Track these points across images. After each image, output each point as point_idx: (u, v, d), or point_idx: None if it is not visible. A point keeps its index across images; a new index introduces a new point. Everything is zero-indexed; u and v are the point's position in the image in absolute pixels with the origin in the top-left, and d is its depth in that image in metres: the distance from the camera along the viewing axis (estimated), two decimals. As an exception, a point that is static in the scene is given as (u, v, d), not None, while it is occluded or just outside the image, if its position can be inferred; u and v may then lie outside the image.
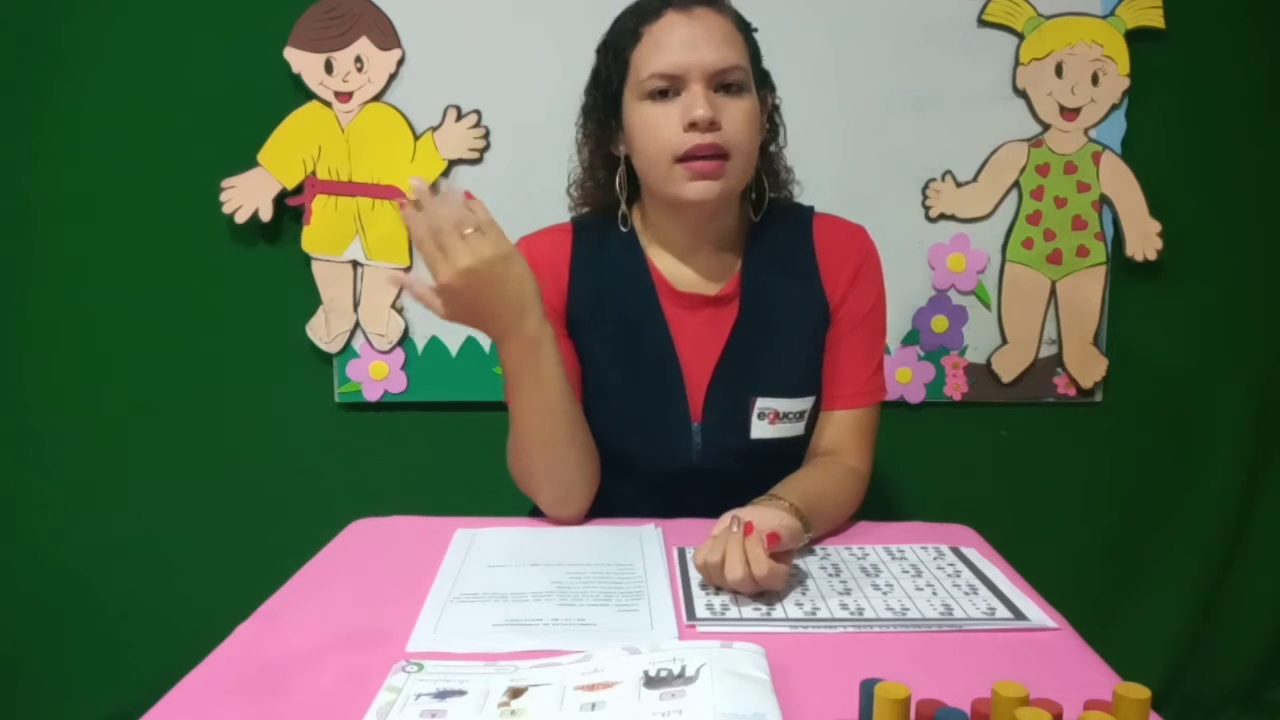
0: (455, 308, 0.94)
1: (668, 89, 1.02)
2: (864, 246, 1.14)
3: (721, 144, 1.00)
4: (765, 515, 0.89)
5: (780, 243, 1.12)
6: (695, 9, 1.03)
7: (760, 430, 1.10)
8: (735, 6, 1.09)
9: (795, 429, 1.12)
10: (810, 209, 1.17)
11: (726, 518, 0.89)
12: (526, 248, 1.14)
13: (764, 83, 1.10)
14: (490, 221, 0.93)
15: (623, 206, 1.12)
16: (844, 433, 1.12)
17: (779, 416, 1.10)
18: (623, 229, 1.12)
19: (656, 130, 1.02)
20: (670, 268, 1.12)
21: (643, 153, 1.05)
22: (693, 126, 0.99)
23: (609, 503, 1.10)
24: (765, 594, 0.86)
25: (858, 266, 1.12)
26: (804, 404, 1.11)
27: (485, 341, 1.71)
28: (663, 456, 1.12)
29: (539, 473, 1.06)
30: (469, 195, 0.93)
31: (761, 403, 1.10)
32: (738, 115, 1.01)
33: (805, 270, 1.12)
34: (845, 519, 1.07)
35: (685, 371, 1.11)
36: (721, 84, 1.01)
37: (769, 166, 1.13)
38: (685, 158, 1.01)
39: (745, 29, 1.07)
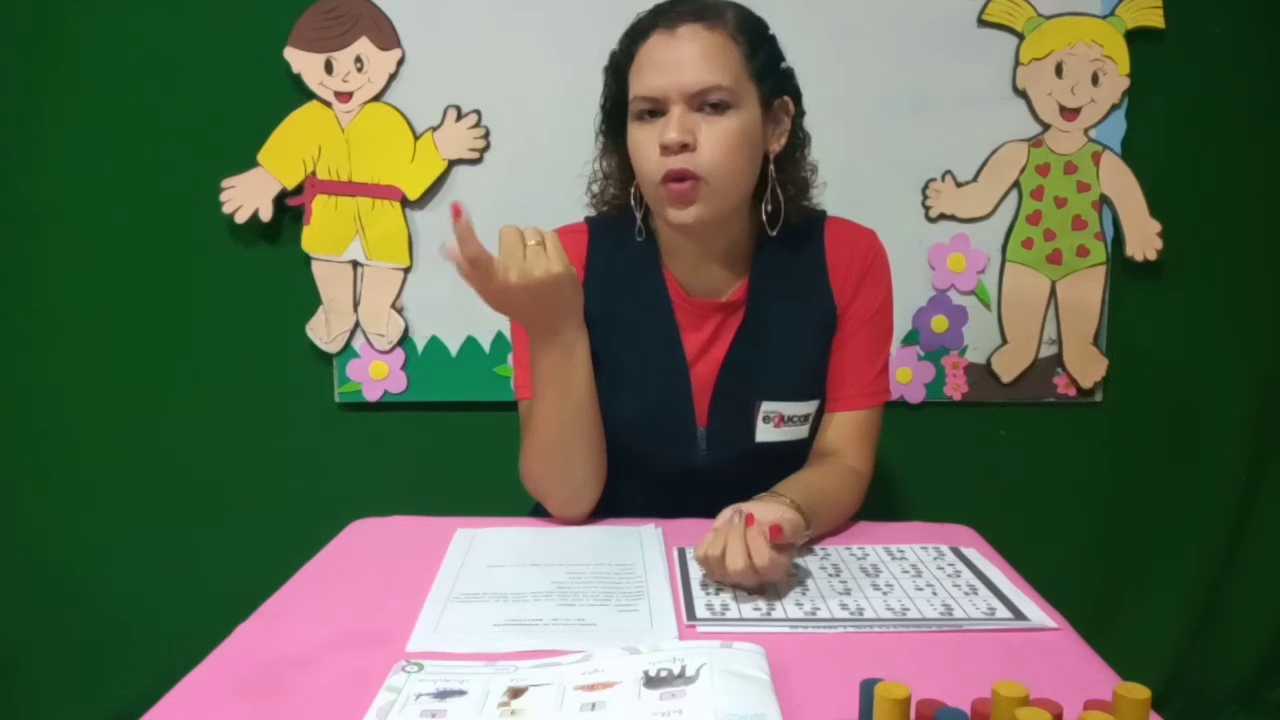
0: (500, 301, 0.99)
1: (653, 110, 1.02)
2: (872, 250, 1.14)
3: (693, 168, 0.99)
4: (767, 509, 0.89)
5: (791, 248, 1.11)
6: (681, 27, 1.01)
7: (765, 434, 1.10)
8: (744, 10, 1.06)
9: (799, 432, 1.12)
10: (823, 213, 1.16)
11: (728, 511, 0.89)
12: None
13: (781, 89, 1.07)
14: (553, 236, 0.99)
15: (639, 219, 1.11)
16: (846, 434, 1.12)
17: (784, 420, 1.11)
18: (638, 239, 1.12)
19: (641, 152, 1.03)
20: (684, 275, 1.12)
21: (636, 172, 1.06)
22: (665, 150, 0.99)
23: (614, 501, 1.10)
24: (765, 589, 0.86)
25: (865, 270, 1.12)
26: (808, 407, 1.12)
27: (485, 341, 1.71)
28: (667, 458, 1.12)
29: (552, 472, 1.07)
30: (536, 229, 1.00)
31: (766, 406, 1.10)
32: (716, 136, 1.00)
33: (814, 274, 1.12)
34: (845, 519, 1.07)
35: (693, 377, 1.11)
36: (706, 103, 1.00)
37: (787, 176, 1.09)
38: (664, 180, 1.01)
39: (750, 37, 1.03)
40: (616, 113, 1.08)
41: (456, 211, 0.94)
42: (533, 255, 0.97)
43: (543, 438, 1.07)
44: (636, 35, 1.04)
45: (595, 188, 1.17)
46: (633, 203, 1.10)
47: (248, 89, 1.65)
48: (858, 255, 1.12)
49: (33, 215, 1.69)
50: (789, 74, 1.10)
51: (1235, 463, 1.78)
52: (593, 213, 1.18)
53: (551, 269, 0.97)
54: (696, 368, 1.11)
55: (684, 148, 0.99)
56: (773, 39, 1.08)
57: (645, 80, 1.01)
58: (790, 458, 1.11)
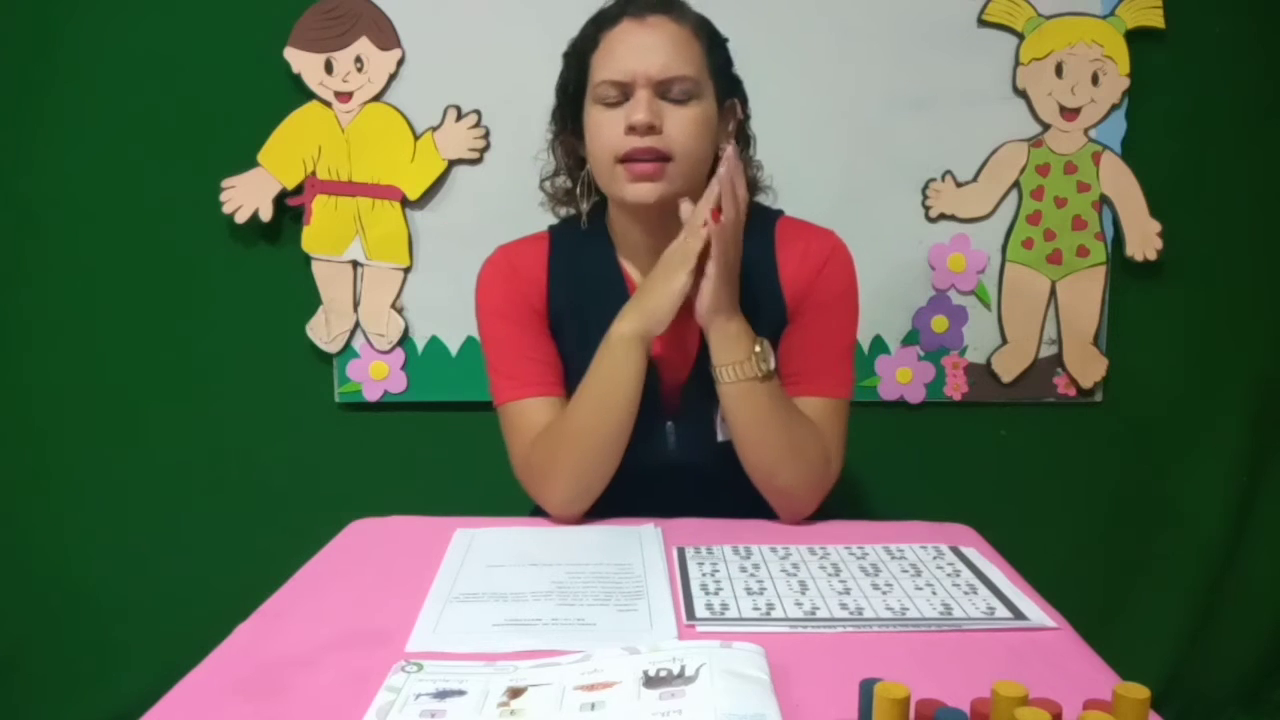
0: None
1: (618, 95, 1.03)
2: (827, 246, 1.13)
3: (661, 148, 1.01)
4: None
5: (742, 246, 1.11)
6: (650, 17, 1.04)
7: (725, 432, 1.10)
8: (710, 14, 1.09)
9: None
10: (778, 213, 1.17)
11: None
12: (505, 254, 1.17)
13: (731, 91, 1.11)
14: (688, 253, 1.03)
15: (584, 208, 1.13)
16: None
17: None
18: (582, 228, 1.14)
19: (601, 133, 1.04)
20: (639, 272, 1.13)
21: (591, 153, 1.07)
22: (632, 130, 1.01)
23: (599, 499, 1.10)
24: (763, 590, 0.86)
25: (820, 265, 1.11)
26: None
27: (485, 342, 1.71)
28: (639, 453, 1.12)
29: (565, 465, 1.06)
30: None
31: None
32: (682, 121, 1.02)
33: (765, 272, 1.12)
34: (798, 455, 1.05)
35: (660, 370, 1.11)
36: (669, 92, 1.02)
37: None
38: (625, 159, 1.02)
39: (709, 37, 1.07)
40: (575, 98, 1.10)
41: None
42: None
43: (563, 428, 1.07)
44: (603, 22, 1.06)
45: (548, 188, 1.18)
46: (579, 190, 1.12)
47: (248, 89, 1.65)
48: (811, 252, 1.12)
49: (33, 215, 1.69)
50: (738, 80, 1.13)
51: (1235, 463, 1.78)
52: (551, 216, 1.20)
53: (677, 279, 1.03)
54: (663, 362, 1.11)
55: (650, 129, 1.01)
56: (725, 43, 1.11)
57: (614, 64, 1.03)
58: None
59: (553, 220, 1.21)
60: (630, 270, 1.14)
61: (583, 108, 1.08)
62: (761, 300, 1.11)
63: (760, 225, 1.14)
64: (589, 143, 1.07)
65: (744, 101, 1.13)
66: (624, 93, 1.03)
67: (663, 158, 1.02)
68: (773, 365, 1.04)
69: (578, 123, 1.10)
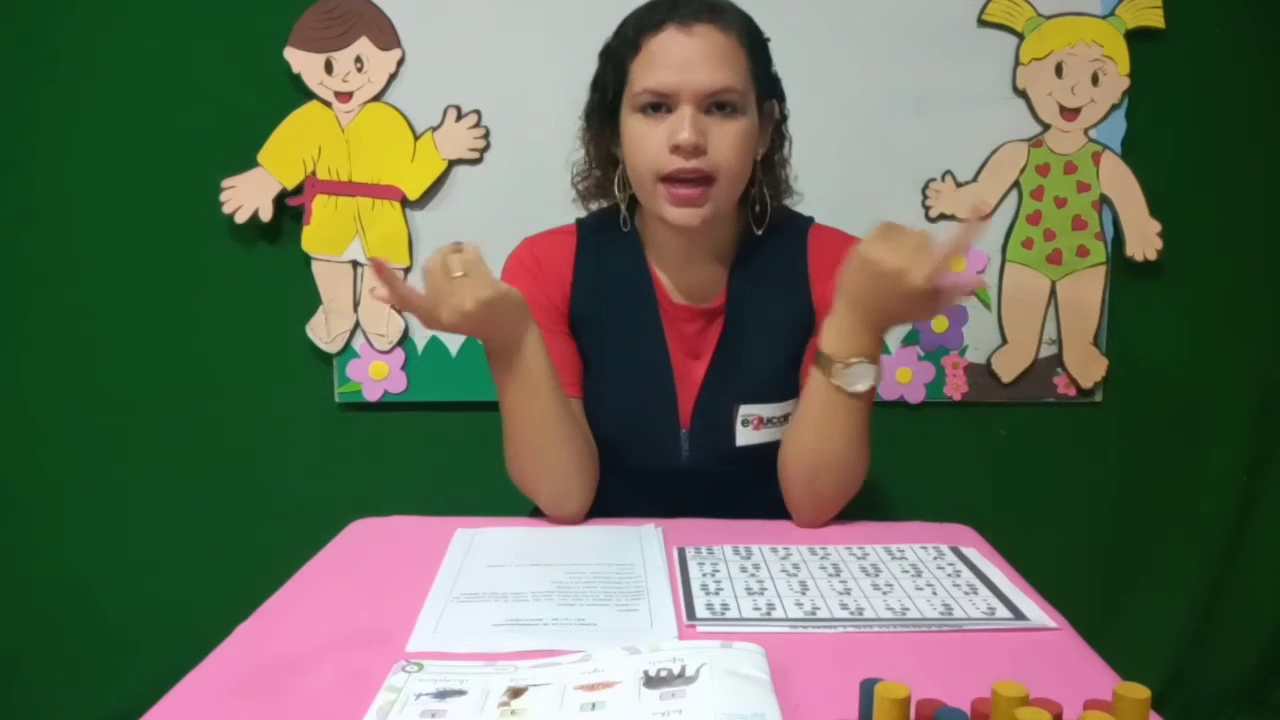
0: (444, 329, 0.97)
1: (660, 104, 1.01)
2: None
3: (706, 168, 1.00)
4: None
5: (772, 253, 1.11)
6: (696, 25, 1.00)
7: (745, 437, 1.10)
8: (746, 13, 1.07)
9: (779, 434, 1.11)
10: (810, 220, 1.16)
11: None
12: (531, 247, 1.15)
13: (771, 92, 1.09)
14: (478, 260, 0.94)
15: (623, 209, 1.12)
16: None
17: (763, 422, 1.10)
18: (624, 229, 1.12)
19: (643, 146, 1.02)
20: (667, 277, 1.13)
21: (631, 165, 1.05)
22: (677, 150, 0.99)
23: (604, 500, 1.10)
24: (763, 590, 0.86)
25: None
26: (786, 408, 1.11)
27: (485, 342, 1.71)
28: (653, 459, 1.12)
29: (534, 472, 1.07)
30: (457, 245, 0.95)
31: (745, 410, 1.10)
32: (727, 138, 1.00)
33: (794, 280, 1.12)
34: (847, 470, 1.04)
35: (677, 380, 1.11)
36: (715, 104, 1.00)
37: (772, 178, 1.11)
38: (668, 178, 1.00)
39: (752, 41, 1.04)
40: (612, 100, 1.07)
41: (379, 267, 0.92)
42: (459, 288, 0.92)
43: (519, 439, 1.06)
44: (646, 26, 1.03)
45: (580, 186, 1.16)
46: (617, 191, 1.10)
47: (248, 89, 1.65)
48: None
49: (33, 215, 1.69)
50: (778, 78, 1.11)
51: (1235, 463, 1.78)
52: (580, 210, 1.18)
53: (481, 296, 0.93)
54: (681, 372, 1.11)
55: (696, 150, 0.99)
56: (767, 43, 1.08)
57: (657, 75, 1.00)
58: (771, 460, 1.10)
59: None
60: (658, 272, 1.13)
61: (619, 109, 1.06)
62: (790, 308, 1.11)
63: (793, 233, 1.13)
64: (629, 154, 1.05)
65: (782, 100, 1.11)
66: (666, 104, 1.00)
67: (706, 179, 1.00)
68: (860, 389, 0.99)
69: (613, 123, 1.08)
